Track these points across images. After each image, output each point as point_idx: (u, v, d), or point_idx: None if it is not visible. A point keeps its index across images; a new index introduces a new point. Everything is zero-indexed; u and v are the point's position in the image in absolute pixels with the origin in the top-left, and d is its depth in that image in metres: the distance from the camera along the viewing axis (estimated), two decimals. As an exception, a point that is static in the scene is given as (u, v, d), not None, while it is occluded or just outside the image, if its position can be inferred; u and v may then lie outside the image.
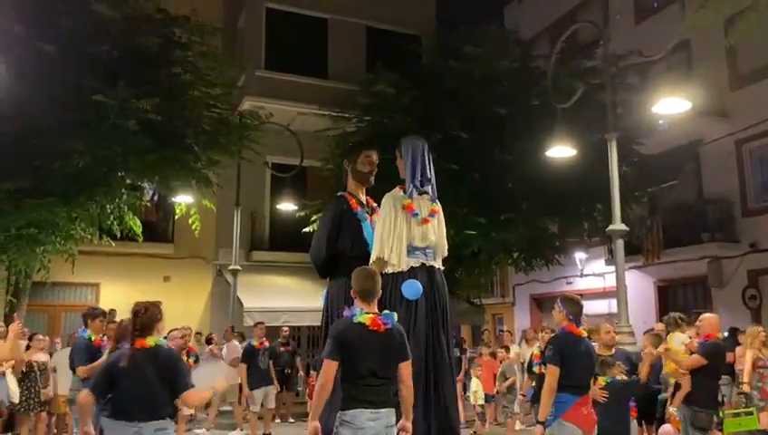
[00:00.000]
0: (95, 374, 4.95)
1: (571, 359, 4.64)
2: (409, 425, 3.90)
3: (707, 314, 7.14)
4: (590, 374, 4.87)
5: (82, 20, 8.92)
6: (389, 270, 4.57)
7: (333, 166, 11.91)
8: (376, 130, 12.13)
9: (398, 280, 4.52)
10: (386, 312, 3.92)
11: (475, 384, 10.99)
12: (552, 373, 4.65)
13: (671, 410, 6.75)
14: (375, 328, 3.76)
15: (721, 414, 6.59)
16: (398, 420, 3.90)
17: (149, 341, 4.21)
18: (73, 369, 6.70)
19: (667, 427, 7.52)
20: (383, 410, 3.74)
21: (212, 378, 4.70)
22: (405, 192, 4.71)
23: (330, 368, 3.69)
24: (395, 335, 3.84)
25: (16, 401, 8.71)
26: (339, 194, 5.05)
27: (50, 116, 8.57)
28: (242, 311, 13.77)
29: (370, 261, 4.54)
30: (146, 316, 4.25)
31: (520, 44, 12.89)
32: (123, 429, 4.06)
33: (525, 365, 9.25)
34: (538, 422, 4.75)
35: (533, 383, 7.94)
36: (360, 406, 3.69)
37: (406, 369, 3.85)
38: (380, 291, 3.96)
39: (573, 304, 4.77)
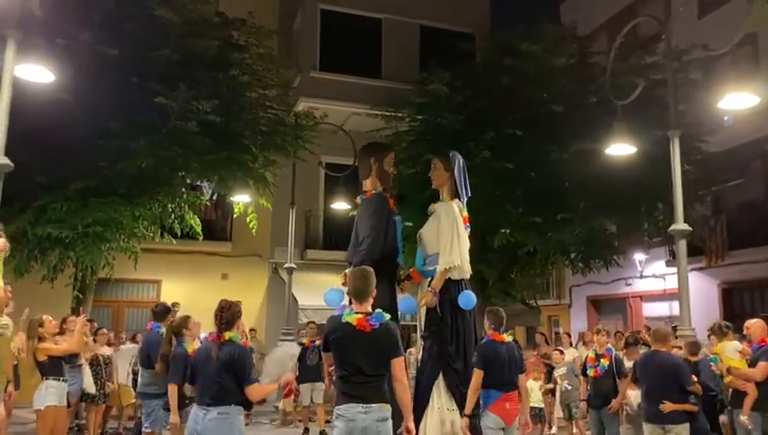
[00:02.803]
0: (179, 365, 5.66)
1: (494, 362, 5.29)
2: (411, 425, 3.97)
3: (753, 320, 7.00)
4: (515, 372, 5.49)
5: (145, 25, 9.20)
6: (455, 276, 5.04)
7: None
8: (429, 130, 12.10)
9: (461, 286, 5.08)
10: (378, 311, 4.01)
11: (529, 385, 10.79)
12: (476, 375, 5.19)
13: (743, 418, 6.54)
14: (361, 328, 3.89)
15: None
16: (397, 418, 3.94)
17: (227, 335, 4.62)
18: (148, 365, 6.72)
19: None
20: (374, 404, 3.85)
21: (281, 368, 5.04)
22: (463, 205, 5.21)
23: (329, 359, 4.07)
24: (384, 334, 3.94)
25: (92, 391, 9.05)
26: (380, 192, 5.06)
27: (115, 118, 8.88)
28: (297, 308, 13.96)
29: (444, 268, 4.95)
30: (228, 313, 4.68)
31: (577, 41, 12.63)
32: (196, 411, 4.54)
33: (581, 368, 9.07)
34: (463, 415, 5.10)
35: (588, 386, 7.77)
36: (351, 401, 3.85)
37: (398, 365, 3.93)
38: (374, 291, 4.07)
39: (495, 316, 5.44)
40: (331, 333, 3.99)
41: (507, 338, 5.37)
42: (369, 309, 4.00)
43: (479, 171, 10.79)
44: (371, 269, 4.17)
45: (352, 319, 3.93)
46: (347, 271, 4.81)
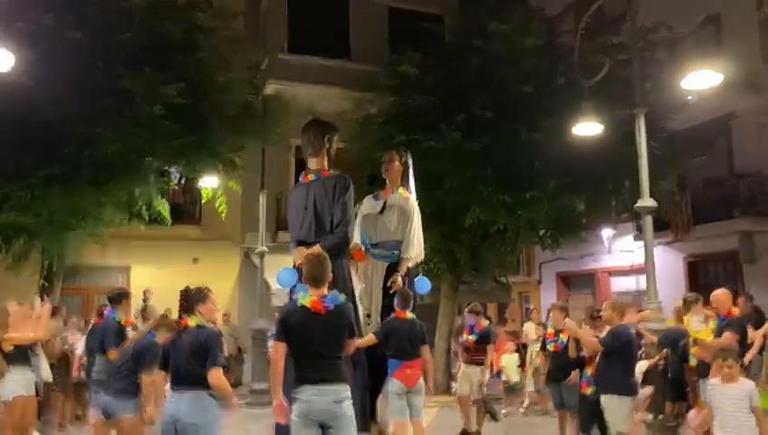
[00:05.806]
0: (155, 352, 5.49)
1: (396, 335, 5.71)
2: None
3: (718, 291, 7.03)
4: (416, 345, 5.93)
5: (108, 8, 9.01)
6: (411, 264, 5.56)
7: (357, 148, 11.94)
8: (400, 111, 12.09)
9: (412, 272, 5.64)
10: (333, 292, 4.03)
11: (504, 360, 10.97)
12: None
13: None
14: (317, 310, 3.92)
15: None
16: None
17: (191, 321, 4.67)
18: (102, 351, 6.63)
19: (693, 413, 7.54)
20: (330, 386, 3.86)
21: None
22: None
23: (277, 349, 3.96)
24: (340, 315, 3.98)
25: (49, 379, 8.92)
26: (344, 174, 5.05)
27: (80, 104, 8.70)
28: (269, 293, 13.93)
29: (411, 255, 5.46)
30: (185, 302, 4.75)
31: (545, 21, 12.69)
32: (172, 395, 4.63)
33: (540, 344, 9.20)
34: None
35: (548, 361, 7.91)
36: (306, 384, 3.87)
37: (353, 346, 4.04)
38: (331, 275, 4.09)
39: (402, 297, 5.74)
40: (287, 318, 3.97)
41: (410, 316, 5.81)
42: (325, 292, 4.00)
43: (450, 152, 10.85)
44: (327, 256, 4.16)
45: (307, 302, 3.94)
46: (303, 251, 4.55)
